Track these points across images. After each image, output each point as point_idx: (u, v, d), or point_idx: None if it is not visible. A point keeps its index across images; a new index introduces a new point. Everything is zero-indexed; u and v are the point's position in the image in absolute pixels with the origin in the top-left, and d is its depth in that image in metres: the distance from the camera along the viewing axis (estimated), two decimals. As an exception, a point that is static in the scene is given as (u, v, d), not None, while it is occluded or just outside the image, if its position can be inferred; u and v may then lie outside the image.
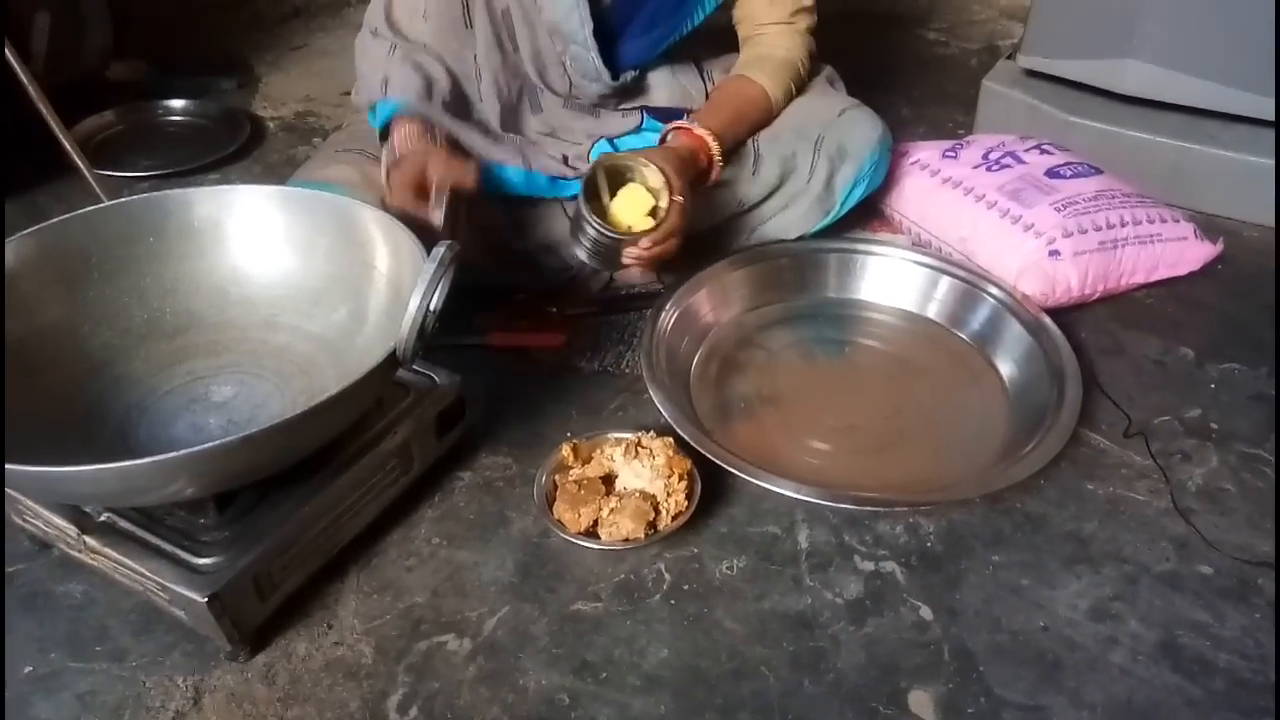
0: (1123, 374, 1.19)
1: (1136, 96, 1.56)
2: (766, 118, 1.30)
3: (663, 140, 1.23)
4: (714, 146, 1.20)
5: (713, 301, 1.26)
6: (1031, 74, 1.66)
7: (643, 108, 1.33)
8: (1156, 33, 1.49)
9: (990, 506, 1.00)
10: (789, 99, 1.31)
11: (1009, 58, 1.75)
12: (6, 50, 1.37)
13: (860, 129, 1.29)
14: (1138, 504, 1.01)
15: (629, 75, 1.27)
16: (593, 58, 1.23)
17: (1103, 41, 1.55)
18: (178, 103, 1.89)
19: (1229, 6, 1.43)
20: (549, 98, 1.30)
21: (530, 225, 1.26)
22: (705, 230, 1.29)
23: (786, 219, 1.31)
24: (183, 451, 0.70)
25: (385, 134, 1.16)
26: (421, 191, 1.04)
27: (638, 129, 1.32)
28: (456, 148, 1.15)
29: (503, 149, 1.21)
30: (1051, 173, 1.34)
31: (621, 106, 1.33)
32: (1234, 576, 0.93)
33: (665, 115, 1.31)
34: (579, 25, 1.21)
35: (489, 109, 1.25)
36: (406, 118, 1.14)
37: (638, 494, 0.96)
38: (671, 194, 1.10)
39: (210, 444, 0.71)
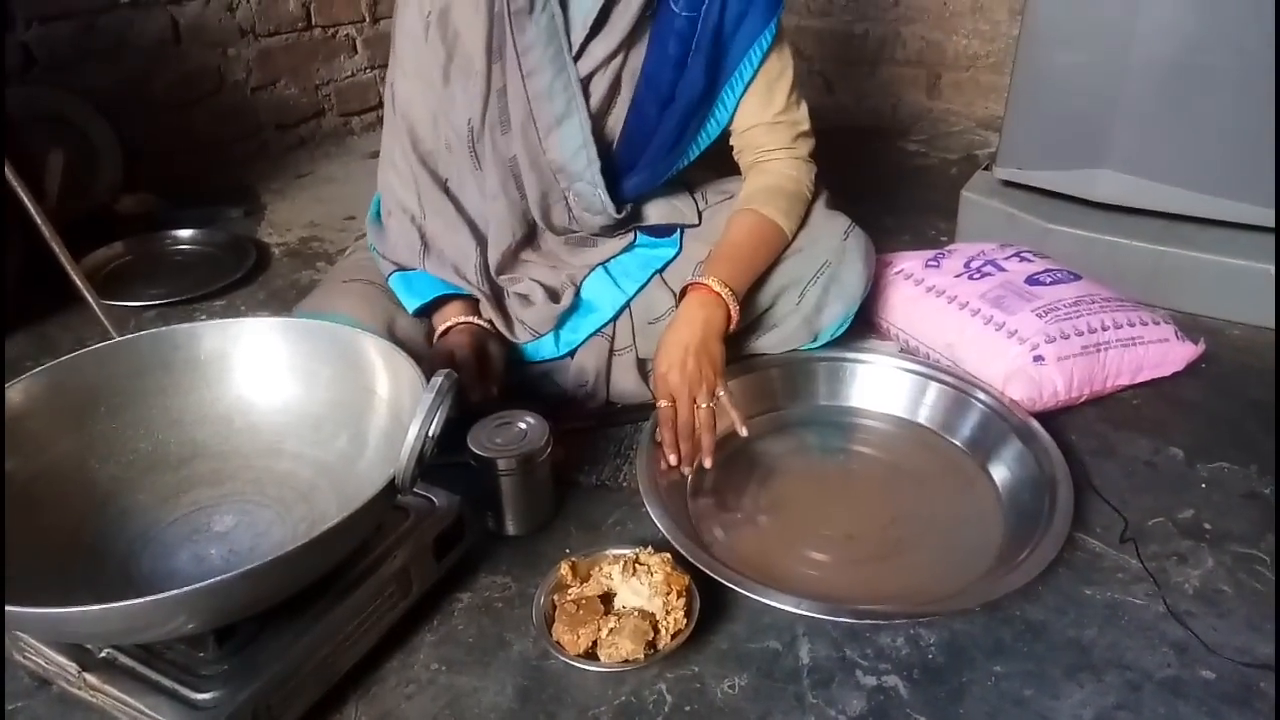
0: (1115, 476, 1.21)
1: (1111, 204, 1.61)
2: (779, 255, 1.31)
3: (680, 296, 1.22)
4: (733, 306, 1.20)
5: (706, 413, 1.28)
6: (1008, 184, 1.73)
7: (635, 228, 1.37)
8: (1127, 143, 1.56)
9: (990, 615, 1.00)
10: (799, 231, 1.33)
11: (986, 169, 1.82)
12: (20, 190, 1.43)
13: (853, 271, 1.32)
14: (1137, 608, 1.01)
15: (628, 207, 1.32)
16: (600, 194, 1.26)
17: (1075, 152, 1.61)
18: (185, 232, 1.95)
19: (1197, 117, 1.50)
20: (549, 238, 1.34)
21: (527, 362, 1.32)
22: None
23: (773, 338, 1.34)
24: (183, 590, 0.71)
25: (425, 310, 1.28)
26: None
27: (630, 247, 1.36)
28: (486, 349, 1.25)
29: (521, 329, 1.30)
30: (1032, 280, 1.38)
31: (616, 232, 1.37)
32: (1235, 681, 0.92)
33: (657, 231, 1.36)
34: (586, 164, 1.24)
35: (492, 256, 1.30)
36: (451, 304, 1.28)
37: (636, 613, 0.96)
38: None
39: (210, 580, 0.72)
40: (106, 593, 0.73)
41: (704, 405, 1.16)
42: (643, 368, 1.32)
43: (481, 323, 1.28)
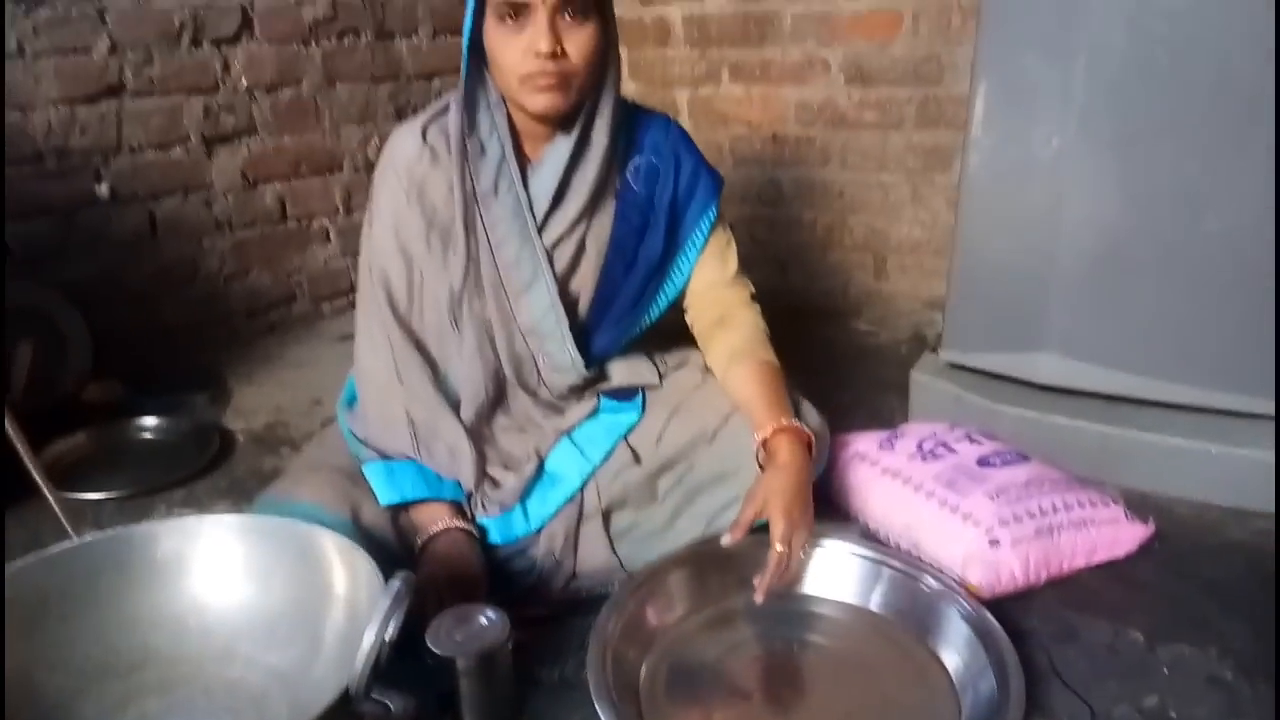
0: (1078, 661, 1.20)
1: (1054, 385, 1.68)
2: None
3: (763, 445, 1.27)
4: (809, 434, 1.29)
5: (656, 607, 1.25)
6: (955, 366, 1.79)
7: (600, 390, 1.42)
8: (1063, 328, 1.63)
9: (961, 815, 0.98)
10: None
11: (933, 350, 1.89)
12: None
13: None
14: (1108, 804, 0.99)
15: (595, 369, 1.39)
16: (569, 349, 1.34)
17: (1015, 336, 1.68)
18: (149, 420, 1.95)
19: (1125, 304, 1.57)
20: (520, 397, 1.39)
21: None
22: None
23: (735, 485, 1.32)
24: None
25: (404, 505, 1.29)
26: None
27: (594, 412, 1.40)
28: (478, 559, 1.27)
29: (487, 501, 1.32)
30: (982, 461, 1.42)
31: (582, 395, 1.42)
32: None
33: (620, 395, 1.42)
34: (555, 323, 1.33)
35: (465, 413, 1.34)
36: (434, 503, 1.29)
37: (598, 823, 0.93)
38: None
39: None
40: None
41: (799, 551, 1.24)
42: (608, 526, 1.33)
43: (468, 527, 1.29)
